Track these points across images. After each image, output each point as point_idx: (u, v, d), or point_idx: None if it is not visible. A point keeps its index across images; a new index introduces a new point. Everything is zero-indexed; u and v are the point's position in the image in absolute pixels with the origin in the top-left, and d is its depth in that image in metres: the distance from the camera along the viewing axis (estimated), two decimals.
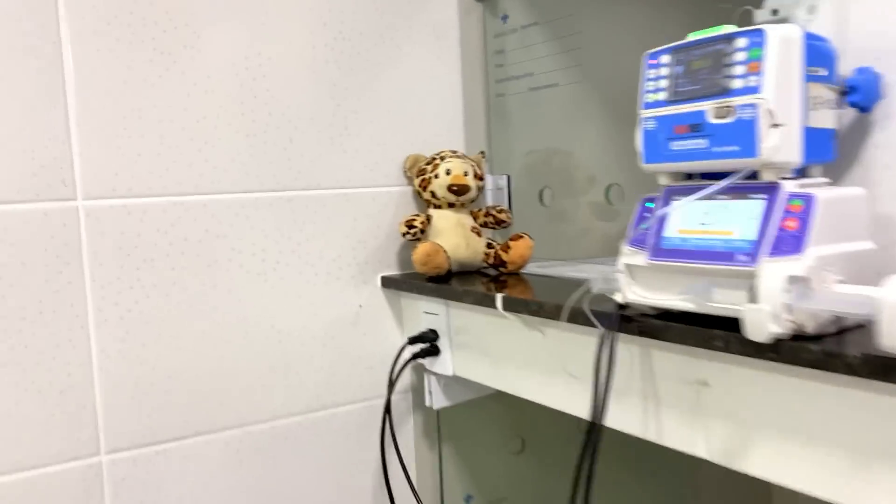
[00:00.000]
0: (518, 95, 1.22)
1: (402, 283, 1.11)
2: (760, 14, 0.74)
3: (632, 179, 1.30)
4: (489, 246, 1.10)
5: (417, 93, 1.16)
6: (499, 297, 0.89)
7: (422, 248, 1.04)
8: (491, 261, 1.09)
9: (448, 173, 1.09)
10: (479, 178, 1.12)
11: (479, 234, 1.11)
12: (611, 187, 1.26)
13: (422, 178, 1.11)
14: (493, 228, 1.13)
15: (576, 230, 1.26)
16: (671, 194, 0.69)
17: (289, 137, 1.05)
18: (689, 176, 0.70)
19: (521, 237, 1.07)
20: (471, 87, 1.20)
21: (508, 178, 1.20)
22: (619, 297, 0.72)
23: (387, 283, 1.13)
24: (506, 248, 1.07)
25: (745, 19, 0.78)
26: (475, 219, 1.12)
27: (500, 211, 1.12)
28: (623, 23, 1.27)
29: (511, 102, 1.22)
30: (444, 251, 1.05)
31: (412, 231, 1.07)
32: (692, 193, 0.67)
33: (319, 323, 1.09)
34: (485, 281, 1.04)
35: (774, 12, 0.73)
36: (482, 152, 1.16)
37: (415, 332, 1.09)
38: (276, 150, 1.05)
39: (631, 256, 0.71)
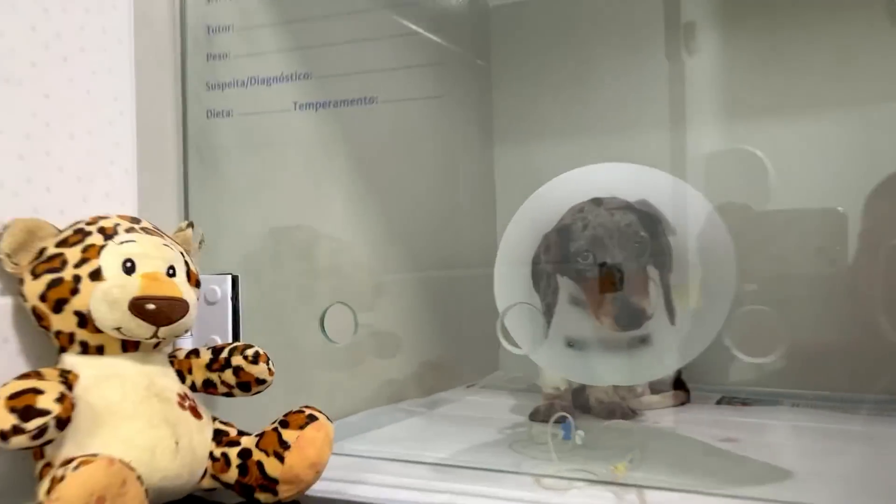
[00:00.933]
0: (248, 119, 0.62)
1: None
2: None
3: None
4: (223, 440, 0.47)
5: (40, 74, 0.48)
6: None
7: (84, 480, 0.36)
8: (233, 476, 0.46)
9: (131, 269, 0.44)
10: (197, 282, 0.49)
11: (197, 413, 0.47)
12: None
13: (51, 277, 0.44)
14: (230, 395, 0.50)
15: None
16: None
17: None
18: None
19: (315, 418, 0.47)
20: (153, 83, 0.57)
21: (234, 279, 0.58)
22: None
23: None
24: (279, 445, 0.46)
25: None
26: (183, 375, 0.49)
27: (254, 356, 0.49)
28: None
29: (232, 130, 0.62)
30: (138, 479, 0.39)
31: (36, 427, 0.38)
32: None
33: None
34: None
35: None
36: (190, 224, 0.53)
37: None
38: None
39: None
